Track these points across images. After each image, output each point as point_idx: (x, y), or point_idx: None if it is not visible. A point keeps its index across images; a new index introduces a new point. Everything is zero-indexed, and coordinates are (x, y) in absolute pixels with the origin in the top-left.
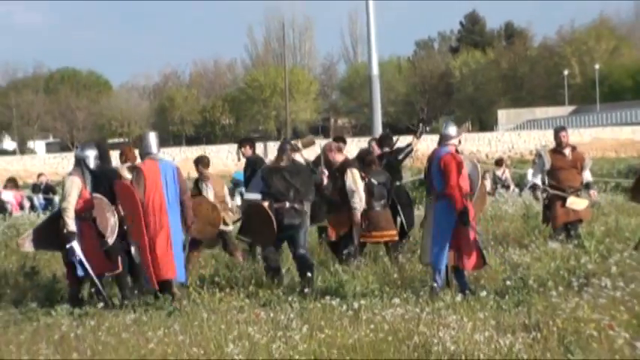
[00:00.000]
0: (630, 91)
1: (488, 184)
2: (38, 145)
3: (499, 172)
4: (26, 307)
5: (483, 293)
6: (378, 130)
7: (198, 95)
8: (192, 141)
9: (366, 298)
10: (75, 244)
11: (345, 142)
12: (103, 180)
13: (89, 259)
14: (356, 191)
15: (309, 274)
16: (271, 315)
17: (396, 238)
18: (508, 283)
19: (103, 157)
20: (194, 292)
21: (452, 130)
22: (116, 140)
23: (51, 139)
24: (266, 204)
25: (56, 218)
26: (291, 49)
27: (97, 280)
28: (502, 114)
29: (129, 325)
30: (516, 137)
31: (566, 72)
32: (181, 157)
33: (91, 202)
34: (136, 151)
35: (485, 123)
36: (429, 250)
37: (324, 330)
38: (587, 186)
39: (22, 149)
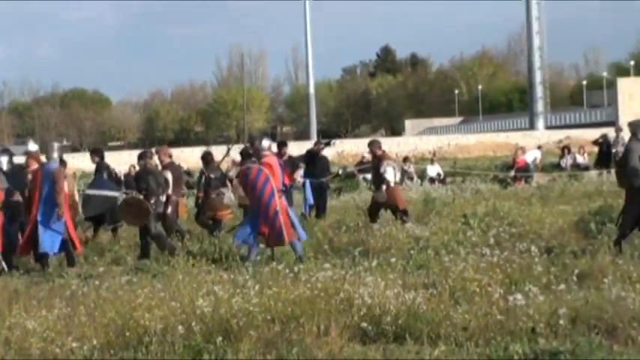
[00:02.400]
0: (504, 105)
1: (398, 176)
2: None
3: (405, 168)
4: (44, 271)
5: (393, 259)
6: (314, 135)
7: (177, 109)
8: (172, 144)
9: (304, 263)
10: None
11: (286, 145)
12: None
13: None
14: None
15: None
16: (232, 276)
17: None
18: (412, 251)
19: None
20: (172, 259)
21: (265, 144)
22: (115, 143)
23: (65, 143)
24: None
25: None
26: (248, 74)
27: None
28: (408, 123)
29: (123, 285)
30: (419, 140)
31: (456, 91)
32: None
33: (4, 196)
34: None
35: (395, 130)
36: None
37: (272, 288)
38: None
39: (43, 150)
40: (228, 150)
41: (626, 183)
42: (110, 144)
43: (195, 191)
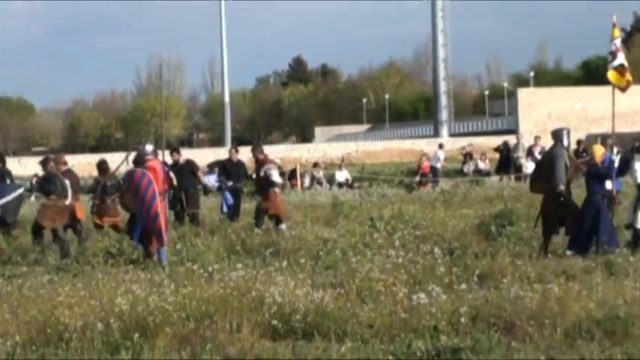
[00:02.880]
0: (410, 114)
1: (307, 180)
2: None
3: (315, 173)
4: None
5: (302, 260)
6: (228, 142)
7: (99, 116)
8: (94, 149)
9: (218, 263)
10: None
11: (179, 152)
12: None
13: None
14: None
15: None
16: (149, 276)
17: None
18: (320, 253)
19: None
20: (93, 259)
21: (148, 149)
22: (39, 149)
23: None
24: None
25: None
26: (167, 83)
27: None
28: (318, 130)
29: (45, 284)
30: (328, 147)
31: (364, 100)
32: (86, 161)
33: None
34: None
35: (306, 137)
36: None
37: (187, 287)
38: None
39: None
40: (125, 158)
41: (546, 188)
42: (34, 149)
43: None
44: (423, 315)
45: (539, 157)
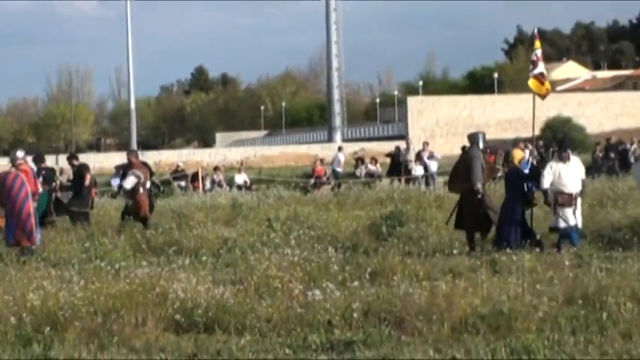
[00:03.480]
0: (306, 120)
1: (208, 183)
2: None
3: (215, 176)
4: None
5: (204, 258)
6: (134, 146)
7: (12, 121)
8: (7, 153)
9: (124, 261)
10: None
11: (77, 158)
12: None
13: None
14: None
15: None
16: (59, 273)
17: None
18: (221, 251)
19: None
20: (6, 256)
21: (20, 154)
22: None
23: None
24: None
25: None
26: (76, 91)
27: None
28: (219, 136)
29: None
30: (228, 152)
31: (262, 107)
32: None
33: None
34: None
35: (207, 142)
36: None
37: (95, 283)
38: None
39: None
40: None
41: (463, 187)
42: None
43: None
44: (317, 310)
45: (427, 161)
